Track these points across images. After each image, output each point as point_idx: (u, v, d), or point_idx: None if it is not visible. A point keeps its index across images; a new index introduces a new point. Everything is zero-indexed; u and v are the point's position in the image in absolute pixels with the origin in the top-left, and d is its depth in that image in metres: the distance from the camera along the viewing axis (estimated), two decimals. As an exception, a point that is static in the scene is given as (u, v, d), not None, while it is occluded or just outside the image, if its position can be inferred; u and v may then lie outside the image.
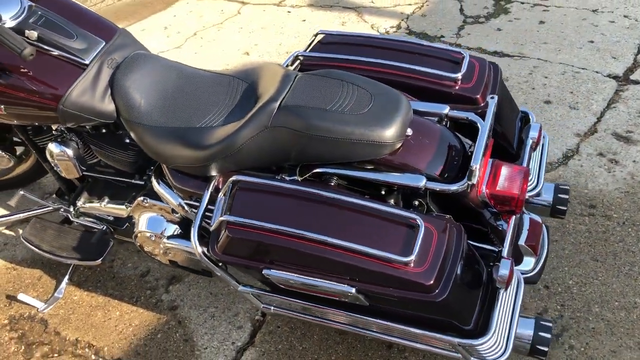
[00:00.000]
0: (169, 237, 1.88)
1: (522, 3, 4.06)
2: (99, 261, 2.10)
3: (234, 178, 1.59)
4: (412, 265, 1.39)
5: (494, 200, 1.58)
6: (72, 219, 2.20)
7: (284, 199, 1.52)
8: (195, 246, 1.64)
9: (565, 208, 1.92)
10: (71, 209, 2.17)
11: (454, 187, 1.51)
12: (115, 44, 1.82)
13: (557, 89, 3.16)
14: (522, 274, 1.72)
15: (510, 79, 3.26)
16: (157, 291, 2.26)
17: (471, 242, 1.67)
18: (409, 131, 1.56)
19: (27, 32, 1.69)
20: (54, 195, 2.31)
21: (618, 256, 2.22)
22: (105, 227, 2.14)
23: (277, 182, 1.55)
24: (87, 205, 2.12)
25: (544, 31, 3.70)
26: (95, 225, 2.17)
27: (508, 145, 1.84)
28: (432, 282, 1.38)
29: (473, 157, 1.51)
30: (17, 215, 2.41)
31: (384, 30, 3.88)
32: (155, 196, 1.91)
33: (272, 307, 1.76)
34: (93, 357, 2.05)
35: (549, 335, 1.62)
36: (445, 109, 1.67)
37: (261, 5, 4.41)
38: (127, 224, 2.13)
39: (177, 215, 1.89)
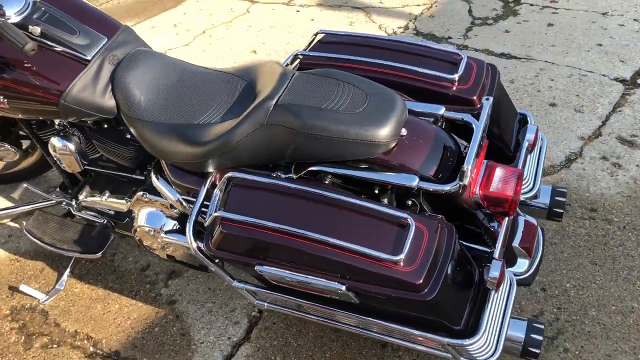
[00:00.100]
0: (166, 232, 1.91)
1: (532, 5, 4.05)
2: (99, 254, 2.13)
3: (229, 174, 1.61)
4: (401, 264, 1.40)
5: (487, 201, 1.58)
6: (74, 213, 2.24)
7: (277, 196, 1.54)
8: (190, 241, 1.66)
9: (562, 211, 1.91)
10: (73, 202, 2.20)
11: (446, 188, 1.52)
12: (117, 41, 1.85)
13: (563, 91, 3.14)
14: (516, 275, 1.72)
15: (516, 81, 3.26)
16: (157, 285, 2.28)
17: (464, 243, 1.68)
18: (404, 131, 1.57)
19: (30, 27, 1.72)
20: (58, 189, 2.34)
21: (617, 260, 2.21)
22: (106, 221, 2.18)
23: (271, 180, 1.56)
24: (89, 199, 2.15)
25: (552, 33, 3.69)
26: (96, 219, 2.20)
27: (505, 147, 1.84)
28: (421, 281, 1.38)
29: (466, 158, 1.51)
30: (21, 208, 2.45)
31: (392, 31, 3.88)
32: (155, 191, 1.93)
33: (266, 304, 1.78)
34: (91, 349, 2.08)
35: (540, 337, 1.62)
36: (441, 110, 1.68)
37: (270, 4, 4.43)
38: (127, 218, 2.15)
39: (175, 210, 1.92)
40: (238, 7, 4.44)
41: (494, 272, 1.46)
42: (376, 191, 1.63)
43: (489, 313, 1.55)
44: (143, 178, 2.06)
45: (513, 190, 1.56)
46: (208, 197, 1.69)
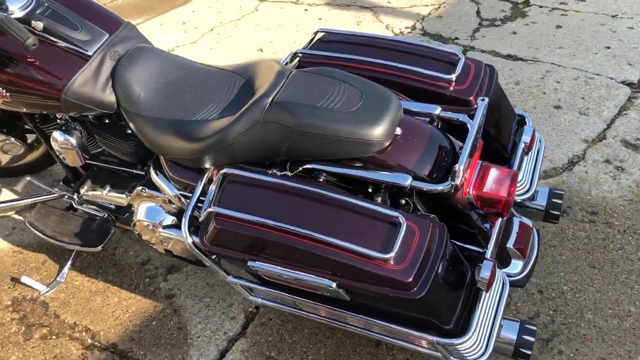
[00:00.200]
0: (164, 227, 1.92)
1: (541, 7, 4.03)
2: (99, 248, 2.16)
3: (224, 171, 1.62)
4: (391, 262, 1.40)
5: (481, 201, 1.59)
6: (75, 206, 2.26)
7: (271, 193, 1.55)
8: (185, 236, 1.68)
9: (558, 213, 1.91)
10: (75, 196, 2.23)
11: (439, 188, 1.52)
12: (119, 37, 1.87)
13: (569, 94, 3.13)
14: (509, 276, 1.72)
15: (521, 83, 3.25)
16: (156, 279, 2.31)
17: (458, 243, 1.68)
18: (398, 130, 1.58)
19: (33, 22, 1.75)
20: (61, 183, 2.37)
21: (616, 264, 2.20)
22: (106, 215, 2.20)
23: (265, 177, 1.58)
24: (90, 193, 2.18)
25: (560, 35, 3.67)
26: (97, 213, 2.23)
27: (501, 148, 1.84)
28: (410, 279, 1.39)
29: (460, 158, 1.51)
30: (24, 201, 2.48)
31: (399, 31, 3.89)
32: (154, 186, 1.95)
33: (260, 299, 1.79)
34: (89, 340, 2.11)
35: (532, 339, 1.62)
36: (437, 110, 1.68)
37: (279, 3, 4.45)
38: (127, 212, 2.18)
39: (173, 206, 1.94)
40: (247, 5, 4.46)
41: (484, 272, 1.47)
42: (370, 190, 1.64)
43: (480, 313, 1.55)
44: (143, 173, 2.09)
45: (507, 191, 1.56)
46: (204, 193, 1.71)
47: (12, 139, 2.42)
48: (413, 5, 4.20)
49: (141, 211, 2.00)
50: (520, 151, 1.76)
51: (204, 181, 1.72)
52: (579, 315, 2.04)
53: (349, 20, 4.09)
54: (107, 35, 1.85)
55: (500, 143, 1.83)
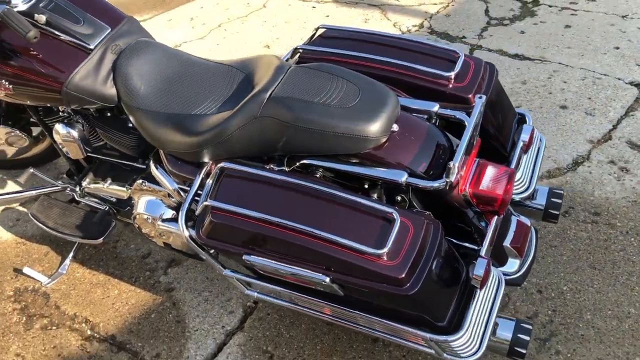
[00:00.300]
0: (162, 220, 1.94)
1: (550, 6, 4.00)
2: (100, 240, 2.18)
3: (221, 165, 1.63)
4: (384, 257, 1.40)
5: (477, 199, 1.58)
6: (77, 199, 2.29)
7: (266, 188, 1.56)
8: (182, 229, 1.69)
9: (557, 213, 1.90)
10: (77, 189, 2.25)
11: (434, 184, 1.52)
12: (121, 31, 1.89)
13: (575, 94, 3.11)
14: (506, 275, 1.71)
15: (528, 83, 3.23)
16: (156, 273, 2.32)
17: (454, 241, 1.68)
18: (395, 127, 1.58)
19: (36, 15, 1.77)
20: (64, 175, 2.40)
21: (617, 265, 2.19)
22: (108, 207, 2.22)
23: (262, 171, 1.58)
24: (92, 185, 2.20)
25: (569, 35, 3.64)
26: (99, 205, 2.24)
27: (500, 147, 1.83)
28: (403, 275, 1.39)
29: (455, 155, 1.51)
30: (28, 193, 2.51)
31: (406, 29, 3.88)
32: (154, 180, 1.97)
33: (256, 293, 1.80)
34: (88, 332, 2.12)
35: (527, 338, 1.62)
36: (435, 107, 1.68)
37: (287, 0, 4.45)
38: (128, 205, 2.19)
39: (172, 199, 1.95)
40: (255, 1, 4.47)
41: (478, 270, 1.47)
42: (366, 186, 1.64)
43: (474, 311, 1.54)
44: (144, 167, 2.10)
45: (503, 189, 1.56)
46: (202, 186, 1.72)
47: (17, 132, 2.44)
48: (421, 4, 4.19)
49: (141, 204, 2.02)
50: (518, 150, 1.75)
51: (201, 175, 1.72)
52: (578, 315, 2.03)
53: (356, 18, 4.08)
54: (109, 29, 1.86)
55: (499, 141, 1.82)
